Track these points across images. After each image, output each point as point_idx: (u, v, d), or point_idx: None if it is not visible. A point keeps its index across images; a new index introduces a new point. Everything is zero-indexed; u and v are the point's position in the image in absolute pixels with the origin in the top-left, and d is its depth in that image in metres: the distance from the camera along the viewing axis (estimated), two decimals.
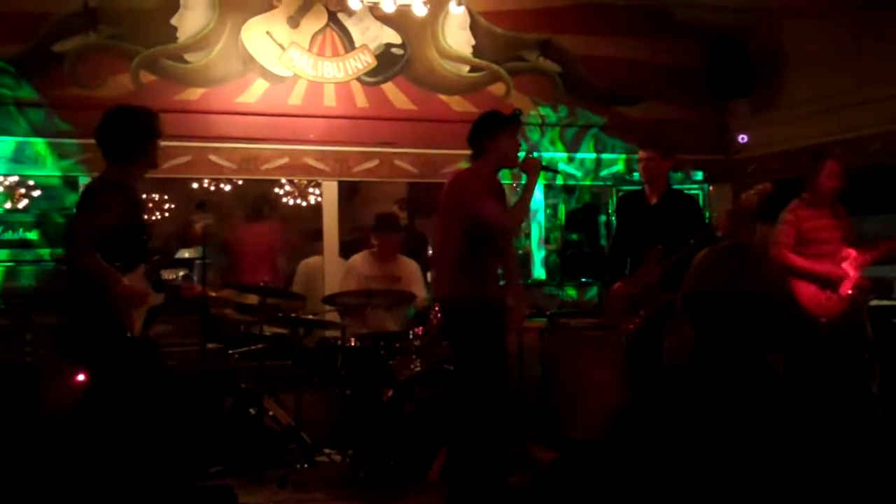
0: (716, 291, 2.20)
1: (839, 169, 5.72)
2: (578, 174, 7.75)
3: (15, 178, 7.06)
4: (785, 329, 2.25)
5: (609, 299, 5.93)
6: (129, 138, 4.50)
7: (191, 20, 6.78)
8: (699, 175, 7.81)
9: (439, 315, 5.72)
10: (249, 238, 8.41)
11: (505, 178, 5.59)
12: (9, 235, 5.84)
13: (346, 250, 7.55)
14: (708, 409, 2.16)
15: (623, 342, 5.81)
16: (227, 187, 9.73)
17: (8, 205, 7.21)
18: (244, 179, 7.95)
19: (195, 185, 9.87)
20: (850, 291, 5.65)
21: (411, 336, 6.16)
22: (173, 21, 6.75)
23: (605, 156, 7.75)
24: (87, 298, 4.27)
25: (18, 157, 6.45)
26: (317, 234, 7.54)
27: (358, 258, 6.93)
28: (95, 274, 4.25)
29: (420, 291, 6.68)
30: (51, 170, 6.59)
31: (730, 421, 2.11)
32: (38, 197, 7.26)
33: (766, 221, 6.04)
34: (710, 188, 7.55)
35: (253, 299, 6.19)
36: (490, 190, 5.06)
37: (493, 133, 5.06)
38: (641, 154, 5.91)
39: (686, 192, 6.98)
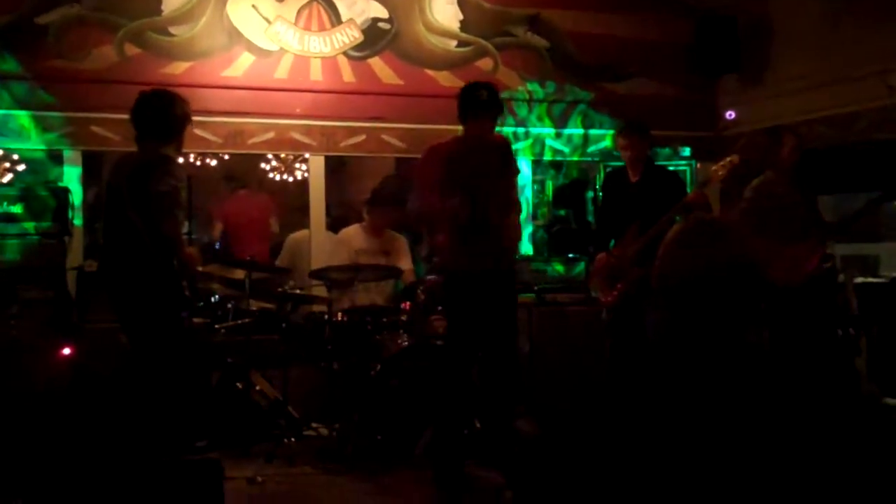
0: (686, 268, 2.18)
1: (797, 143, 5.78)
2: (566, 150, 7.73)
3: None
4: (762, 302, 2.25)
5: (591, 273, 6.00)
6: (171, 120, 4.92)
7: None
8: (686, 151, 7.80)
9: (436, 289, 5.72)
10: (240, 211, 8.38)
11: None
12: None
13: (335, 226, 7.54)
14: (685, 386, 2.15)
15: (602, 316, 5.88)
16: (213, 162, 9.65)
17: None
18: (230, 154, 7.88)
19: (180, 160, 9.75)
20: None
21: (399, 311, 6.15)
22: None
23: (592, 132, 7.73)
24: (155, 263, 4.71)
25: (2, 131, 6.40)
26: (303, 209, 7.51)
27: (348, 231, 6.92)
28: (178, 239, 4.78)
29: (407, 265, 6.67)
30: (35, 143, 6.54)
31: (707, 398, 2.11)
32: (23, 171, 7.21)
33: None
34: (698, 164, 7.53)
35: (240, 274, 6.18)
36: (433, 170, 5.10)
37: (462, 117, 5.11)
38: (620, 141, 5.91)
39: (672, 168, 6.98)
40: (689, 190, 6.06)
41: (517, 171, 5.44)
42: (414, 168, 5.46)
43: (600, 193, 6.80)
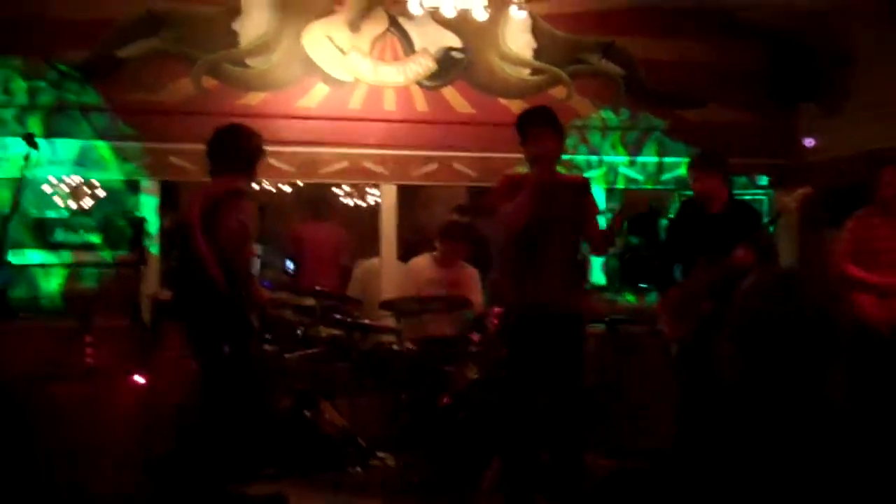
0: (764, 322, 2.13)
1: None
2: (640, 178, 7.65)
3: (78, 181, 7.18)
4: (841, 350, 2.18)
5: (660, 306, 5.91)
6: (244, 154, 5.02)
7: (252, 25, 6.82)
8: (764, 180, 7.66)
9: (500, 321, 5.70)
10: (311, 240, 8.45)
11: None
12: (72, 238, 5.94)
13: (405, 253, 7.56)
14: (758, 435, 2.10)
15: (671, 350, 5.78)
16: (287, 188, 9.77)
17: (72, 207, 7.32)
18: (304, 182, 7.97)
19: (254, 187, 9.89)
20: None
21: (468, 342, 6.14)
22: (234, 26, 6.80)
23: (667, 159, 7.63)
24: (223, 294, 4.77)
25: (82, 161, 6.56)
26: (374, 236, 7.55)
27: (419, 261, 6.94)
28: (246, 273, 4.91)
29: (477, 297, 6.66)
30: (114, 173, 6.70)
31: (780, 451, 2.06)
32: (101, 200, 7.37)
33: (827, 227, 5.94)
34: (775, 194, 7.38)
35: (310, 300, 6.23)
36: (512, 189, 5.07)
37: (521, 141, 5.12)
38: (690, 174, 5.84)
39: (749, 197, 6.86)
40: (764, 221, 5.95)
41: (595, 210, 5.39)
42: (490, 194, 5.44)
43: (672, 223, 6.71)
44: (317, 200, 8.81)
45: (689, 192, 6.95)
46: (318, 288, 6.36)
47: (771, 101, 7.55)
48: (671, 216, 6.98)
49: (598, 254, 5.40)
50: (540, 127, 5.07)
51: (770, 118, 7.66)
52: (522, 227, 4.96)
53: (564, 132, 5.27)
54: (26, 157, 4.50)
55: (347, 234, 8.68)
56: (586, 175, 7.35)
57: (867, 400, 5.30)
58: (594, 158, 7.49)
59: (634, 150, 7.58)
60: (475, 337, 6.13)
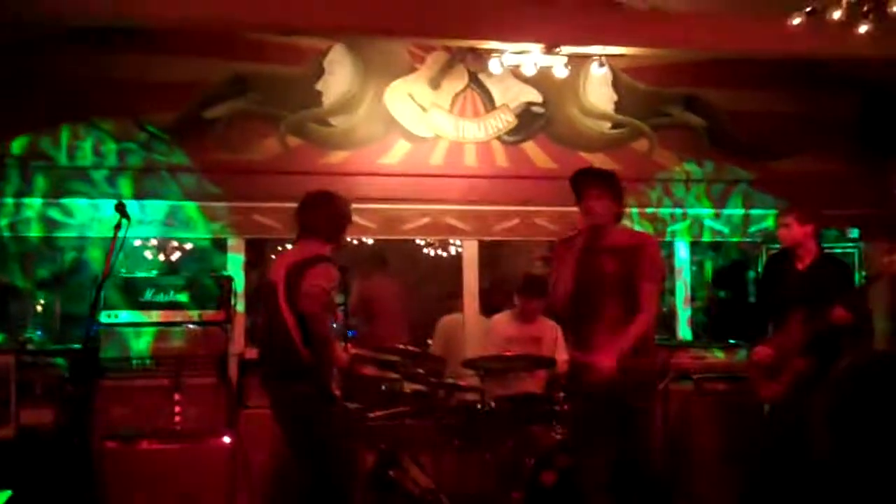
0: (858, 406, 2.06)
1: None
2: (725, 230, 7.53)
3: (166, 241, 7.33)
4: None
5: (750, 364, 5.77)
6: (333, 221, 5.07)
7: (335, 85, 6.91)
8: (855, 233, 7.48)
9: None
10: (378, 297, 8.38)
11: None
12: (160, 297, 6.01)
13: (486, 304, 7.52)
14: None
15: (763, 409, 5.62)
16: (370, 240, 9.82)
17: (159, 265, 7.47)
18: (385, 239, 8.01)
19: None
20: None
21: (554, 400, 6.06)
22: (318, 86, 6.89)
23: (753, 211, 7.51)
24: (305, 359, 4.78)
25: (170, 221, 6.67)
26: (457, 290, 7.53)
27: (500, 318, 6.89)
28: (326, 338, 4.85)
29: (560, 354, 6.58)
30: (201, 232, 6.81)
31: None
32: (189, 259, 7.50)
33: None
34: (867, 246, 7.21)
35: (394, 357, 6.22)
36: (559, 259, 4.97)
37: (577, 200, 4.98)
38: (779, 220, 5.74)
39: (839, 250, 6.70)
40: (856, 276, 5.80)
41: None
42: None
43: (760, 277, 6.59)
44: (374, 256, 8.78)
45: (777, 245, 6.84)
46: (401, 346, 6.34)
47: (862, 151, 7.41)
48: (760, 270, 6.86)
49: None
50: (586, 187, 4.90)
51: (861, 169, 7.50)
52: (566, 298, 4.81)
53: (620, 191, 4.97)
54: (118, 225, 4.57)
55: (419, 289, 8.62)
56: (672, 228, 7.29)
57: None
58: (678, 211, 7.41)
59: (720, 202, 7.47)
60: (560, 396, 6.04)
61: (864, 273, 6.82)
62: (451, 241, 9.99)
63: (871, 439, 2.06)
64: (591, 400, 4.78)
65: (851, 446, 2.09)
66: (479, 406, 6.01)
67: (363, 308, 8.30)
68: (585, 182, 4.95)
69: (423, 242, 10.55)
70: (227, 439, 5.50)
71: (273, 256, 7.46)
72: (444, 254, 10.74)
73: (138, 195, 6.53)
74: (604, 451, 4.79)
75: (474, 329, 7.15)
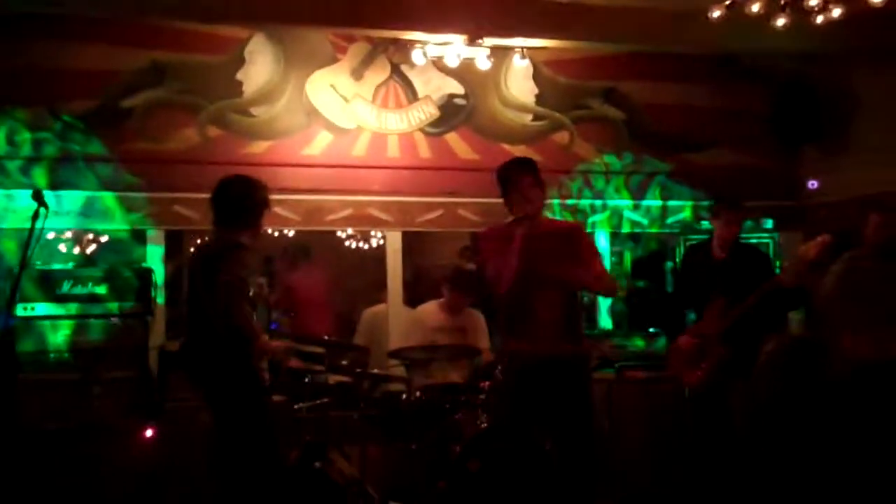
0: (780, 388, 2.14)
1: (883, 220, 5.60)
2: (644, 221, 7.66)
3: (83, 232, 7.17)
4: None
5: (672, 352, 5.88)
6: (249, 208, 4.94)
7: (256, 74, 6.85)
8: (769, 223, 7.68)
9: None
10: (300, 286, 8.37)
11: None
12: (78, 290, 5.89)
13: (410, 294, 7.53)
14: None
15: (686, 395, 5.74)
16: (291, 232, 9.75)
17: (76, 257, 7.31)
18: (309, 229, 7.95)
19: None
20: None
21: (478, 390, 6.08)
22: (239, 75, 6.82)
23: (671, 203, 7.66)
24: (228, 349, 4.70)
25: (87, 212, 6.52)
26: (380, 282, 7.53)
27: (425, 308, 6.91)
28: (246, 328, 4.73)
29: (485, 344, 6.63)
30: (119, 223, 6.67)
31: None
32: (107, 250, 7.35)
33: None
34: (780, 236, 7.40)
35: (318, 348, 6.19)
36: (493, 247, 5.06)
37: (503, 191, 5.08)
38: (731, 217, 5.83)
39: (755, 241, 6.87)
40: (774, 265, 5.94)
41: (597, 254, 5.33)
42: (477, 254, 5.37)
43: (679, 267, 6.71)
44: (299, 248, 8.76)
45: (694, 237, 6.99)
46: (326, 336, 6.32)
47: (775, 143, 7.59)
48: (678, 261, 7.00)
49: (603, 296, 5.31)
50: (521, 176, 5.04)
51: (774, 161, 7.72)
52: (511, 285, 4.92)
53: (544, 182, 5.20)
54: (35, 214, 4.46)
55: (342, 281, 8.62)
56: (592, 219, 7.40)
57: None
58: (598, 203, 7.51)
59: (638, 193, 7.60)
60: (484, 385, 6.07)
61: (778, 263, 7.00)
62: (374, 233, 10.00)
63: (795, 421, 2.13)
64: (531, 375, 4.95)
65: (776, 430, 2.16)
66: (404, 396, 6.02)
67: (287, 300, 8.26)
68: (521, 171, 5.08)
69: (345, 235, 10.52)
70: (148, 432, 5.40)
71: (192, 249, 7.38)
72: (367, 246, 10.73)
73: (54, 185, 6.38)
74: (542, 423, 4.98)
75: (398, 320, 7.16)
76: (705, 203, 7.60)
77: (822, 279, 5.79)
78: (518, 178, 5.02)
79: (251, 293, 4.97)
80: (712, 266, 5.80)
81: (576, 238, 5.14)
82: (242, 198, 4.95)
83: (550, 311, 4.92)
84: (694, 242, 6.50)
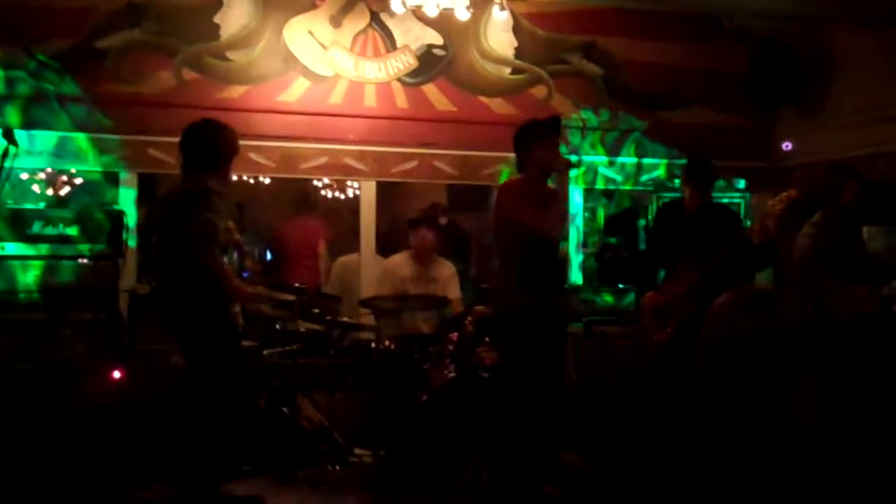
0: (732, 337, 2.17)
1: (859, 186, 5.67)
2: (619, 178, 7.69)
3: (55, 173, 7.12)
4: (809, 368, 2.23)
5: (641, 308, 5.94)
6: (217, 152, 4.94)
7: (233, 18, 6.78)
8: (741, 183, 7.72)
9: (490, 322, 5.71)
10: (291, 234, 8.43)
11: None
12: (48, 230, 5.85)
13: (384, 246, 7.56)
14: (728, 445, 2.14)
15: (654, 352, 5.80)
16: (267, 180, 9.74)
17: (48, 198, 7.26)
18: (283, 177, 7.93)
19: (234, 179, 9.82)
20: None
21: (446, 340, 6.14)
22: (216, 19, 6.75)
23: (646, 160, 7.69)
24: (201, 294, 4.73)
25: (60, 152, 6.50)
26: (354, 232, 7.55)
27: (396, 259, 6.94)
28: (218, 272, 4.74)
29: (455, 294, 6.67)
30: (92, 165, 6.64)
31: (745, 472, 2.10)
32: (79, 192, 7.30)
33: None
34: (752, 197, 7.45)
35: (288, 295, 6.22)
36: (531, 198, 5.04)
37: (528, 147, 5.09)
38: (692, 179, 5.91)
39: (726, 200, 6.91)
40: (744, 225, 5.99)
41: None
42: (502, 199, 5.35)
43: (651, 225, 6.75)
44: (298, 196, 8.79)
45: (668, 195, 7.02)
46: (297, 284, 6.34)
47: (751, 104, 7.62)
48: (650, 218, 7.03)
49: None
50: (556, 136, 5.20)
51: (749, 121, 7.74)
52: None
53: None
54: (5, 152, 4.43)
55: (327, 228, 8.66)
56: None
57: (842, 407, 5.39)
58: (574, 158, 7.50)
59: (614, 150, 7.62)
60: (453, 335, 6.13)
61: (748, 223, 7.05)
62: (350, 183, 9.98)
63: (744, 370, 2.16)
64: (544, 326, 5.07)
65: (726, 376, 2.20)
66: (373, 345, 6.07)
67: (274, 247, 8.31)
68: (557, 130, 5.22)
69: (321, 184, 10.50)
70: (116, 374, 5.41)
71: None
72: (343, 196, 10.71)
73: (27, 125, 6.34)
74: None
75: (370, 270, 7.18)
76: (680, 161, 7.64)
77: (794, 240, 5.86)
78: (551, 136, 5.13)
79: (221, 238, 4.96)
80: (684, 224, 5.83)
81: (561, 203, 5.29)
82: (211, 142, 4.93)
83: (556, 266, 5.19)
84: (666, 200, 6.53)
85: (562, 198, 5.30)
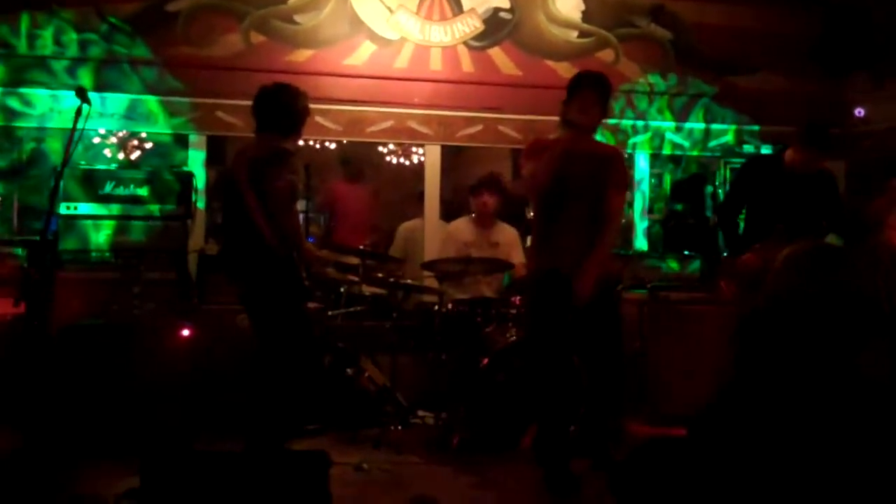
0: (800, 292, 2.14)
1: None
2: (686, 144, 7.60)
3: (127, 135, 7.25)
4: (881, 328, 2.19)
5: (735, 272, 5.54)
6: (292, 115, 4.98)
7: None
8: None
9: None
10: (347, 199, 8.47)
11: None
12: (120, 191, 5.98)
13: (448, 212, 7.58)
14: (793, 416, 2.12)
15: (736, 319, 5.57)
16: (332, 145, 9.81)
17: (120, 159, 7.40)
18: (349, 140, 7.97)
19: (300, 144, 9.90)
20: None
21: (509, 304, 6.15)
22: None
23: (714, 126, 7.59)
24: (270, 255, 4.77)
25: (131, 114, 6.62)
26: (418, 197, 7.58)
27: (458, 224, 6.95)
28: (295, 232, 4.85)
29: (518, 258, 6.67)
30: (162, 127, 6.75)
31: (815, 428, 2.07)
32: (149, 154, 7.44)
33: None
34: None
35: (353, 259, 6.28)
36: (538, 153, 4.91)
37: (564, 102, 4.96)
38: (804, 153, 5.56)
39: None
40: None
41: (622, 187, 5.21)
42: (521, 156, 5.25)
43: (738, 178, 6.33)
44: (349, 161, 8.81)
45: (736, 160, 6.90)
46: (362, 247, 6.39)
47: (823, 69, 7.46)
48: (719, 183, 6.89)
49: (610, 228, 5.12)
50: (586, 90, 4.93)
51: (820, 87, 7.58)
52: (543, 191, 4.89)
53: (609, 103, 5.13)
54: (78, 111, 4.52)
55: (388, 193, 8.68)
56: (633, 140, 7.36)
57: None
58: (640, 123, 7.47)
59: (682, 115, 7.53)
60: (515, 299, 6.14)
61: None
62: (415, 149, 10.00)
63: (806, 329, 2.14)
64: (553, 288, 4.89)
65: (788, 336, 2.17)
66: (436, 308, 6.11)
67: (327, 208, 8.36)
68: (586, 84, 4.96)
69: (386, 150, 10.54)
70: (185, 332, 5.53)
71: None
72: (407, 162, 10.74)
73: (99, 87, 6.46)
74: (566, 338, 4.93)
75: (434, 234, 7.21)
76: (749, 127, 7.54)
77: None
78: (584, 90, 4.93)
79: (297, 198, 5.04)
80: (786, 186, 5.52)
81: (613, 164, 5.05)
82: (286, 104, 4.98)
83: (576, 230, 4.90)
84: (758, 156, 6.30)
85: (605, 156, 5.07)
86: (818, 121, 5.82)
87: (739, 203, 5.81)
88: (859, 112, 7.48)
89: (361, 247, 6.47)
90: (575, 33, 7.32)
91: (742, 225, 5.80)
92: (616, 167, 5.06)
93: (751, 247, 5.45)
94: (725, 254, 5.84)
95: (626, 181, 5.39)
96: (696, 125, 7.56)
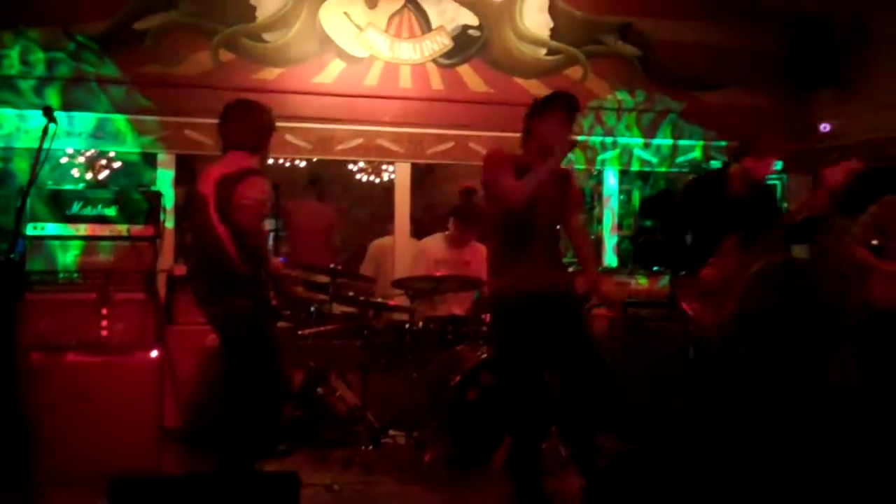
0: (767, 304, 2.17)
1: None
2: (654, 160, 7.66)
3: (95, 154, 7.19)
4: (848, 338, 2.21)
5: (697, 288, 5.32)
6: (257, 131, 4.94)
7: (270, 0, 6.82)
8: (778, 165, 7.63)
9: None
10: (305, 217, 8.35)
11: None
12: (87, 211, 5.92)
13: (418, 229, 7.57)
14: (764, 427, 2.14)
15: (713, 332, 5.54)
16: (302, 163, 9.77)
17: (87, 179, 7.35)
18: (319, 158, 7.94)
19: (270, 162, 9.82)
20: None
21: (480, 322, 6.16)
22: (252, 0, 6.79)
23: (682, 142, 7.66)
24: (238, 274, 4.71)
25: (99, 134, 6.56)
26: (389, 215, 7.56)
27: (430, 241, 6.95)
28: (263, 249, 4.85)
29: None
30: (130, 146, 6.70)
31: (785, 437, 2.10)
32: (117, 173, 7.38)
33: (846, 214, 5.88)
34: (789, 178, 7.39)
35: (323, 278, 6.25)
36: (510, 166, 4.74)
37: (527, 122, 4.88)
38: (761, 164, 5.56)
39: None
40: (782, 206, 5.87)
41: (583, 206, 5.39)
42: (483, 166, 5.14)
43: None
44: (330, 174, 8.76)
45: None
46: (333, 266, 6.38)
47: (788, 84, 7.55)
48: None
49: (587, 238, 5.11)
50: (564, 112, 4.82)
51: (787, 102, 7.68)
52: (523, 208, 4.67)
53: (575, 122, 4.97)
54: (45, 131, 4.48)
55: (351, 213, 8.61)
56: (601, 157, 7.41)
57: (880, 385, 5.28)
58: (609, 140, 7.51)
59: (650, 132, 7.59)
60: (486, 317, 6.14)
61: (784, 206, 6.98)
62: (385, 167, 10.00)
63: (777, 341, 2.16)
64: (523, 310, 4.80)
65: (760, 348, 2.19)
66: (407, 326, 6.10)
67: (284, 225, 8.28)
68: (565, 106, 4.85)
69: (356, 168, 10.53)
70: (154, 353, 5.48)
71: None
72: (377, 179, 10.74)
73: (66, 106, 6.41)
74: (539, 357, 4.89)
75: (404, 252, 7.20)
76: (717, 143, 7.60)
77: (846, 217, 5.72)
78: (551, 113, 4.79)
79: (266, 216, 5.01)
80: (726, 202, 5.55)
81: (568, 184, 4.99)
82: (250, 122, 4.93)
83: (546, 248, 4.87)
84: (701, 175, 6.38)
85: (563, 176, 4.97)
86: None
87: (687, 221, 5.83)
88: (825, 127, 7.56)
89: (332, 265, 6.44)
90: (543, 50, 7.36)
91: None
92: (574, 186, 5.07)
93: (705, 261, 5.42)
94: (681, 273, 5.85)
95: (581, 199, 5.46)
96: (664, 141, 7.62)
